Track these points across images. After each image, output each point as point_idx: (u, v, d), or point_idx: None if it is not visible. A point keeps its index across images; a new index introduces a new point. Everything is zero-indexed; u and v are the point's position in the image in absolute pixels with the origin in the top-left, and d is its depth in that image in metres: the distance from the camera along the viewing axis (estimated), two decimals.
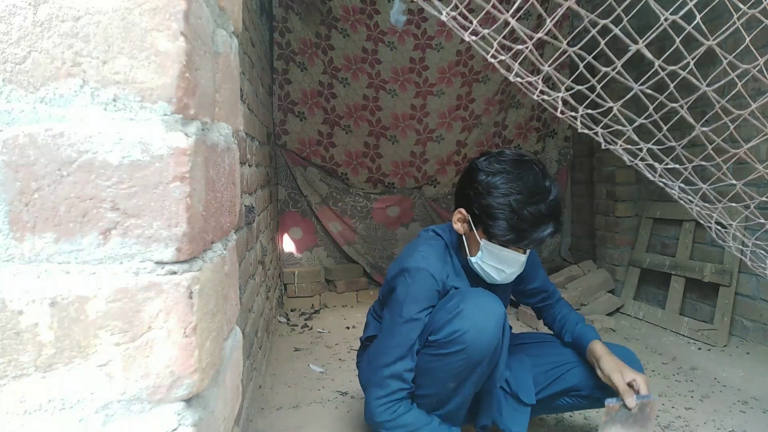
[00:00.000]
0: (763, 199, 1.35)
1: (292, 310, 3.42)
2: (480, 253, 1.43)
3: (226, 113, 0.57)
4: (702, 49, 1.00)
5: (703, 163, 1.26)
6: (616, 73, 1.03)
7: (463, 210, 1.43)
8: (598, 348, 1.49)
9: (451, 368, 1.35)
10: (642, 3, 0.99)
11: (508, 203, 1.32)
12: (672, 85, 1.10)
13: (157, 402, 0.43)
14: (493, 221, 1.36)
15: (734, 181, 1.25)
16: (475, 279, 1.50)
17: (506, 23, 0.94)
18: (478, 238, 1.41)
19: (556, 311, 1.68)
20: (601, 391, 1.50)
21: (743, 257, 1.50)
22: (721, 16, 2.37)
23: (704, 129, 1.13)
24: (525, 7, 0.99)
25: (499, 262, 1.42)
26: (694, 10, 1.01)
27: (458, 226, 1.45)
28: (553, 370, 1.57)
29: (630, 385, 1.38)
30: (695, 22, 0.97)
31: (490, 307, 1.36)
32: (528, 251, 1.43)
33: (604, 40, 0.99)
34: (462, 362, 1.34)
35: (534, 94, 1.13)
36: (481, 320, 1.33)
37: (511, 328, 1.56)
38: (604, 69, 1.06)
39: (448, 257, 1.49)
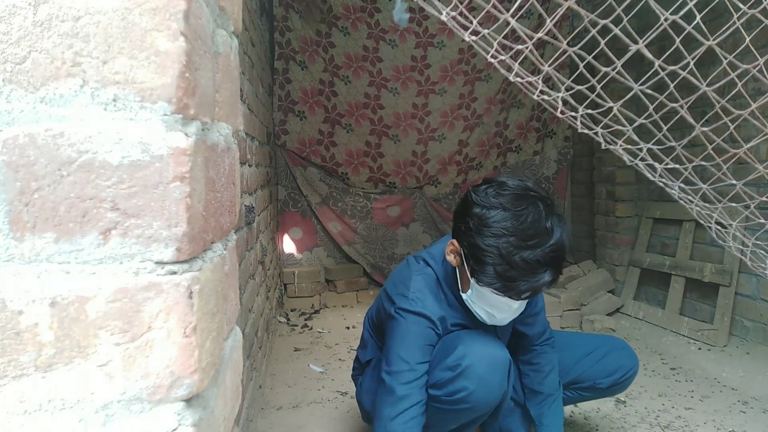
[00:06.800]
0: (763, 199, 1.34)
1: (292, 310, 3.42)
2: (470, 291, 1.31)
3: (226, 113, 0.57)
4: (702, 49, 1.00)
5: (703, 163, 1.26)
6: (616, 73, 1.03)
7: (455, 242, 1.29)
8: None
9: (454, 418, 1.30)
10: (642, 3, 0.99)
11: (498, 247, 1.16)
12: (672, 85, 1.10)
13: (157, 402, 0.43)
14: (480, 265, 1.21)
15: (734, 181, 1.25)
16: (471, 312, 1.38)
17: (506, 23, 0.94)
18: (468, 275, 1.27)
19: (540, 362, 1.51)
20: (602, 380, 1.51)
21: (743, 257, 1.50)
22: (721, 16, 2.37)
23: (704, 129, 1.13)
24: (525, 7, 0.99)
25: (489, 306, 1.29)
26: (694, 10, 1.01)
27: (450, 258, 1.32)
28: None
29: None
30: (695, 22, 0.97)
31: (494, 358, 1.27)
32: (522, 298, 1.26)
33: (604, 40, 0.99)
34: (466, 415, 1.29)
35: (534, 94, 1.12)
36: (486, 376, 1.25)
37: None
38: (604, 69, 1.06)
39: (440, 293, 1.37)
